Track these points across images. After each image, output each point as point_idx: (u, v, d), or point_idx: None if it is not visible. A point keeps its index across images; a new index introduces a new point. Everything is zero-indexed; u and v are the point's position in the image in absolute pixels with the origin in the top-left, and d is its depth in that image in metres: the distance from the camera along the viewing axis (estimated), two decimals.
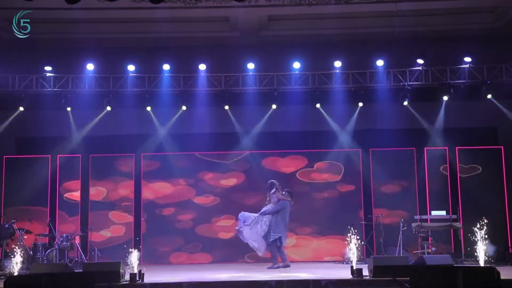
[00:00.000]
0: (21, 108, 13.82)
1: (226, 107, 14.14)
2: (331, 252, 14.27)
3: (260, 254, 12.40)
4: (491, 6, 13.67)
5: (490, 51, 13.53)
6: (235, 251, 14.12)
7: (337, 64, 13.58)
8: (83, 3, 10.35)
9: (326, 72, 13.74)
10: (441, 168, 14.34)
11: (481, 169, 14.03)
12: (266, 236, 12.05)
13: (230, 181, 14.85)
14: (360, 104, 14.11)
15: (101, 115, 14.14)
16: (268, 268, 11.91)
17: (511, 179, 14.08)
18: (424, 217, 13.11)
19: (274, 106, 14.12)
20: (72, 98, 13.73)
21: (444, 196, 14.18)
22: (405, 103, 13.90)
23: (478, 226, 10.93)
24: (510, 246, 13.63)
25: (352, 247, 10.19)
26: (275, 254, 12.18)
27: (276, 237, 12.02)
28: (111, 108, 13.98)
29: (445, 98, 13.73)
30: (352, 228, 11.03)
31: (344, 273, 10.21)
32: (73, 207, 14.39)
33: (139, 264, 10.08)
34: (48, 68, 13.49)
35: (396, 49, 13.60)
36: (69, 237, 12.92)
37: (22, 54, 13.68)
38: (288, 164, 14.79)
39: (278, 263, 12.07)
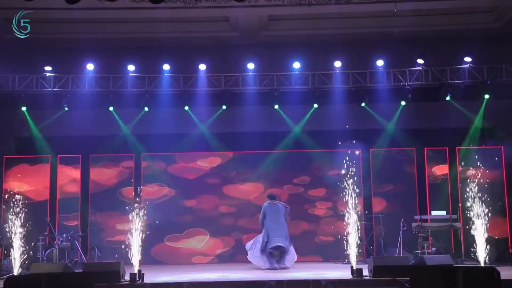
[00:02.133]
0: (24, 108, 13.86)
1: (224, 107, 14.15)
2: None
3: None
4: (491, 6, 13.66)
5: (490, 51, 13.53)
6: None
7: (337, 64, 13.59)
8: (83, 3, 10.35)
9: (326, 72, 13.75)
10: (441, 168, 14.35)
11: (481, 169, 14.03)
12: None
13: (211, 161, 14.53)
14: (363, 104, 14.10)
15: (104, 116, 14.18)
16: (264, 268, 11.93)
17: (511, 179, 14.09)
18: (424, 217, 13.11)
19: (276, 106, 14.13)
20: (72, 98, 13.73)
21: (444, 196, 14.19)
22: (403, 102, 13.96)
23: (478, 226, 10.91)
24: (510, 246, 13.63)
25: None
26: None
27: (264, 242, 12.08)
28: (112, 108, 14.04)
29: (448, 98, 13.70)
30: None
31: (344, 273, 10.21)
32: None
33: None
34: (48, 68, 13.50)
35: (396, 49, 13.59)
36: (69, 237, 12.93)
37: (22, 54, 13.66)
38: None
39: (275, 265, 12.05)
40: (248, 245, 12.47)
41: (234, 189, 14.61)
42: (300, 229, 14.28)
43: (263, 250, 11.98)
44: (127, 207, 10.62)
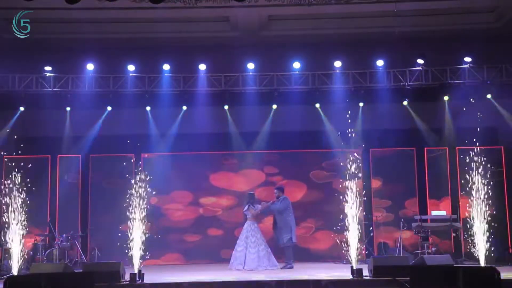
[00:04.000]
0: (22, 108, 13.87)
1: (226, 107, 14.15)
2: None
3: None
4: (491, 6, 13.66)
5: (490, 51, 13.50)
6: None
7: (337, 64, 13.58)
8: (83, 3, 10.34)
9: (326, 72, 13.74)
10: (442, 168, 14.35)
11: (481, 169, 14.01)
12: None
13: None
14: (361, 104, 14.09)
15: (103, 116, 14.16)
16: (281, 268, 11.87)
17: (511, 179, 14.08)
18: (424, 217, 13.11)
19: (274, 106, 14.13)
20: (72, 98, 13.73)
21: (444, 196, 14.18)
22: (405, 102, 13.93)
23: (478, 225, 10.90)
24: (510, 246, 13.62)
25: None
26: (289, 254, 12.13)
27: (288, 237, 12.02)
28: (111, 108, 14.02)
29: (446, 98, 13.69)
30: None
31: (344, 273, 10.21)
32: None
33: None
34: (48, 68, 13.49)
35: (396, 49, 13.57)
36: (69, 237, 12.94)
37: (22, 54, 13.64)
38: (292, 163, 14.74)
39: (290, 263, 12.04)
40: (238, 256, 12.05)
41: (226, 179, 14.63)
42: (331, 241, 13.93)
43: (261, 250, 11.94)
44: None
